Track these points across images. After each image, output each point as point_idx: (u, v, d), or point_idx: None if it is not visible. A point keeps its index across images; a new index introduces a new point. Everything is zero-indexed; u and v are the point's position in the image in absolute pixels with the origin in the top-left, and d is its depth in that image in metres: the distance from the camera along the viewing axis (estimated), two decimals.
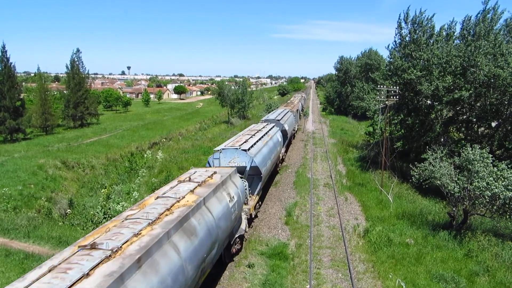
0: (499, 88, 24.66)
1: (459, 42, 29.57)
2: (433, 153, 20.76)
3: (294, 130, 46.56)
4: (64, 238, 18.47)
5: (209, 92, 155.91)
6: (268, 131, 26.32)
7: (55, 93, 74.08)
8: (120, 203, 23.22)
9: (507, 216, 16.90)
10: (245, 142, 21.14)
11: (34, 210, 25.49)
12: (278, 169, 30.96)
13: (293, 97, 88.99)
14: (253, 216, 19.23)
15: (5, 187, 27.33)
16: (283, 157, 34.28)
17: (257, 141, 22.17)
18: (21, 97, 54.63)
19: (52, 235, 18.82)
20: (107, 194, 24.39)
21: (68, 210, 25.71)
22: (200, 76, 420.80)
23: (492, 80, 24.46)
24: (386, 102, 28.69)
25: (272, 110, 59.51)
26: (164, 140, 55.10)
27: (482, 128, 28.39)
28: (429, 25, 30.22)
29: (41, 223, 21.13)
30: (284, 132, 33.56)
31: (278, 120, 34.53)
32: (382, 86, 30.31)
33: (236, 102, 75.31)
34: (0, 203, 24.93)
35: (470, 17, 29.15)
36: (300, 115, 63.11)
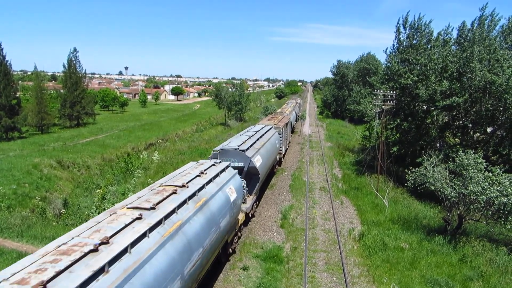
0: (494, 94, 24.82)
1: (455, 48, 29.81)
2: (428, 158, 20.84)
3: (280, 153, 33.02)
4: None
5: (206, 94, 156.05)
6: (198, 190, 12.02)
7: (52, 92, 73.85)
8: (115, 204, 23.05)
9: (502, 222, 16.97)
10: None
11: (28, 209, 25.31)
12: (232, 247, 16.38)
13: (286, 103, 71.88)
14: None
15: None
16: (253, 213, 20.80)
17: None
18: (17, 95, 54.45)
19: (46, 235, 18.67)
20: (102, 194, 24.25)
21: (63, 210, 25.54)
22: (197, 77, 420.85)
23: (488, 86, 24.61)
24: (383, 106, 28.80)
25: (264, 115, 59.01)
26: (161, 141, 55.01)
27: (478, 134, 28.55)
28: (427, 30, 30.44)
29: (35, 222, 20.96)
30: (252, 171, 19.93)
31: (243, 150, 19.92)
32: (379, 91, 30.44)
33: (233, 104, 75.46)
34: None
35: (464, 22, 29.51)
36: (293, 129, 52.65)
